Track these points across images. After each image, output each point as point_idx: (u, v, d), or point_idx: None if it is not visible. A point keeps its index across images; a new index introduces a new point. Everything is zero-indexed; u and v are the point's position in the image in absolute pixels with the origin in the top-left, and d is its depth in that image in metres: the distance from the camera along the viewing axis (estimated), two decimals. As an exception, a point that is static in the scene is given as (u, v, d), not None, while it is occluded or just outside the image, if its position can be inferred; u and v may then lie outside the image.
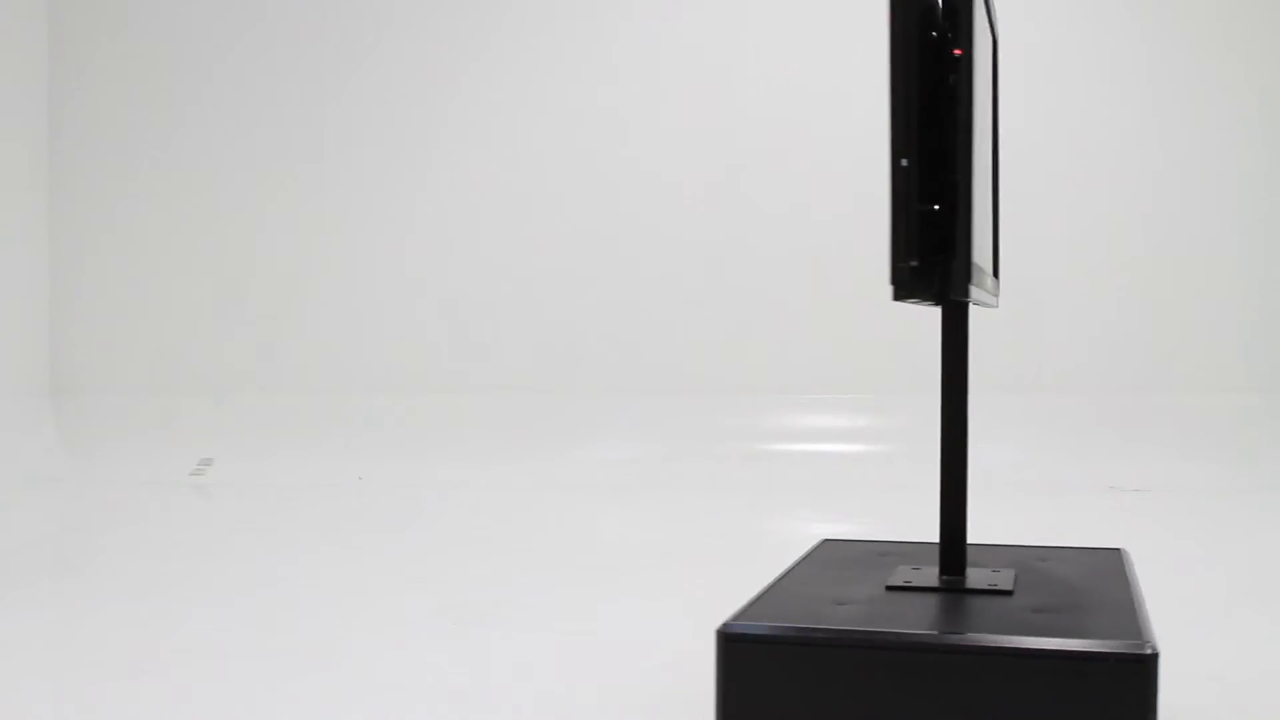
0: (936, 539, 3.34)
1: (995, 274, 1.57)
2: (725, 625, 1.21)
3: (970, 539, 3.32)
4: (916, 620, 1.23)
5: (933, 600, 1.32)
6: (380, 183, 4.87)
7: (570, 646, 2.06)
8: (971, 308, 4.53)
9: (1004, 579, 1.44)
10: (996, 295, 1.58)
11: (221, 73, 4.99)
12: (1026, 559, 1.60)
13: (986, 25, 1.38)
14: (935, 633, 1.18)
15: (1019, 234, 4.53)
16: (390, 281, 4.87)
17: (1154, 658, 1.11)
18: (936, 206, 1.19)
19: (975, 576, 1.45)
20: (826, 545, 1.71)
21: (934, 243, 1.22)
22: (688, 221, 4.67)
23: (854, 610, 1.27)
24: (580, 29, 4.76)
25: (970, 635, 1.18)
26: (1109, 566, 1.59)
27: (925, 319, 4.55)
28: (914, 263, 1.19)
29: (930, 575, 1.46)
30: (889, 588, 1.39)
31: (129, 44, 5.07)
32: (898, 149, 1.21)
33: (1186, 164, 4.48)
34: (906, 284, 1.20)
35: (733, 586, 2.50)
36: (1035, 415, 4.47)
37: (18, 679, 1.89)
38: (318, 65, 4.93)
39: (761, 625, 1.22)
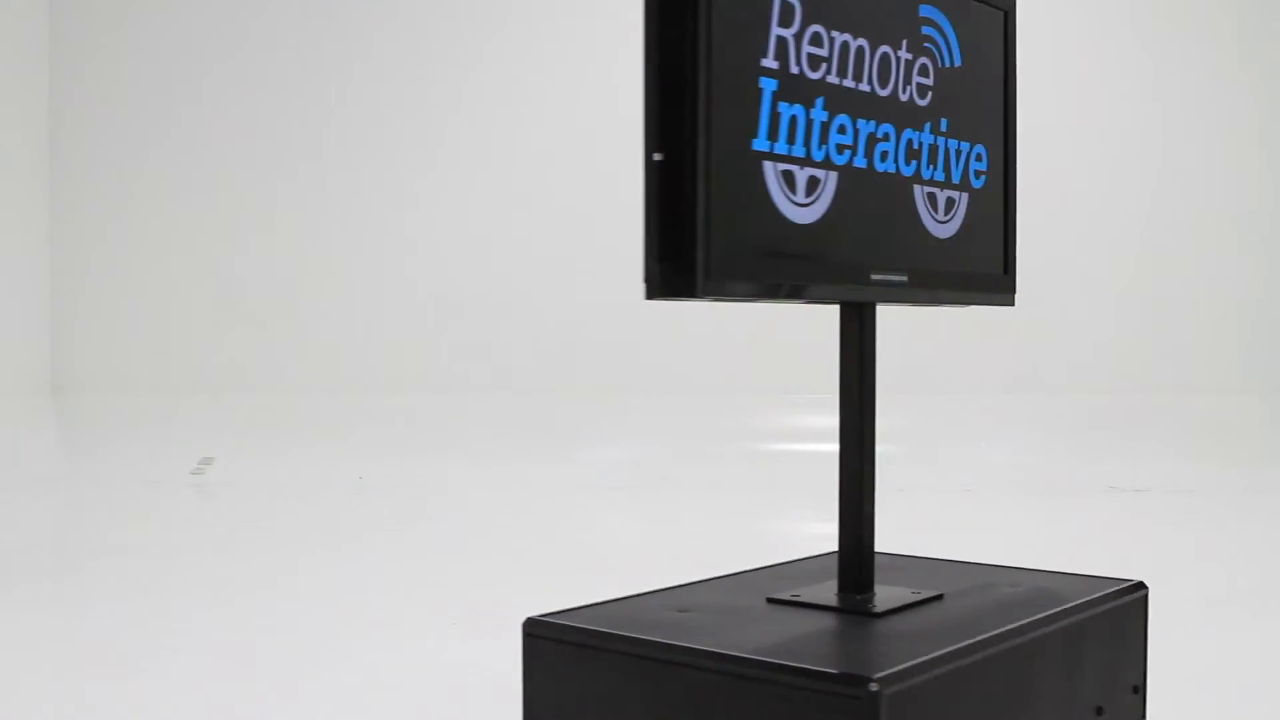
0: (937, 545, 3.33)
1: (1007, 270, 1.54)
2: (531, 617, 1.21)
3: (970, 539, 3.32)
4: (715, 633, 1.20)
5: (782, 616, 1.28)
6: (381, 183, 4.87)
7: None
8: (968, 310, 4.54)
9: (892, 598, 1.35)
10: (1008, 293, 1.55)
11: (222, 74, 4.99)
12: (999, 581, 1.49)
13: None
14: (688, 645, 1.15)
15: (1021, 236, 4.53)
16: (390, 281, 4.87)
17: (872, 698, 1.05)
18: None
19: (884, 595, 1.36)
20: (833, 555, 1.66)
21: (679, 241, 1.14)
22: (688, 221, 4.66)
23: (684, 618, 1.25)
24: (581, 31, 4.76)
25: (711, 647, 1.14)
26: (1065, 598, 1.43)
27: (926, 319, 4.55)
28: (665, 260, 1.14)
29: (829, 591, 1.37)
30: (770, 600, 1.34)
31: (130, 45, 5.07)
32: (650, 143, 1.15)
33: (1187, 168, 4.48)
34: (656, 282, 1.15)
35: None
36: (1036, 416, 4.47)
37: (18, 678, 1.90)
38: (319, 67, 4.93)
39: (562, 621, 1.22)
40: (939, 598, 1.37)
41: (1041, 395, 4.50)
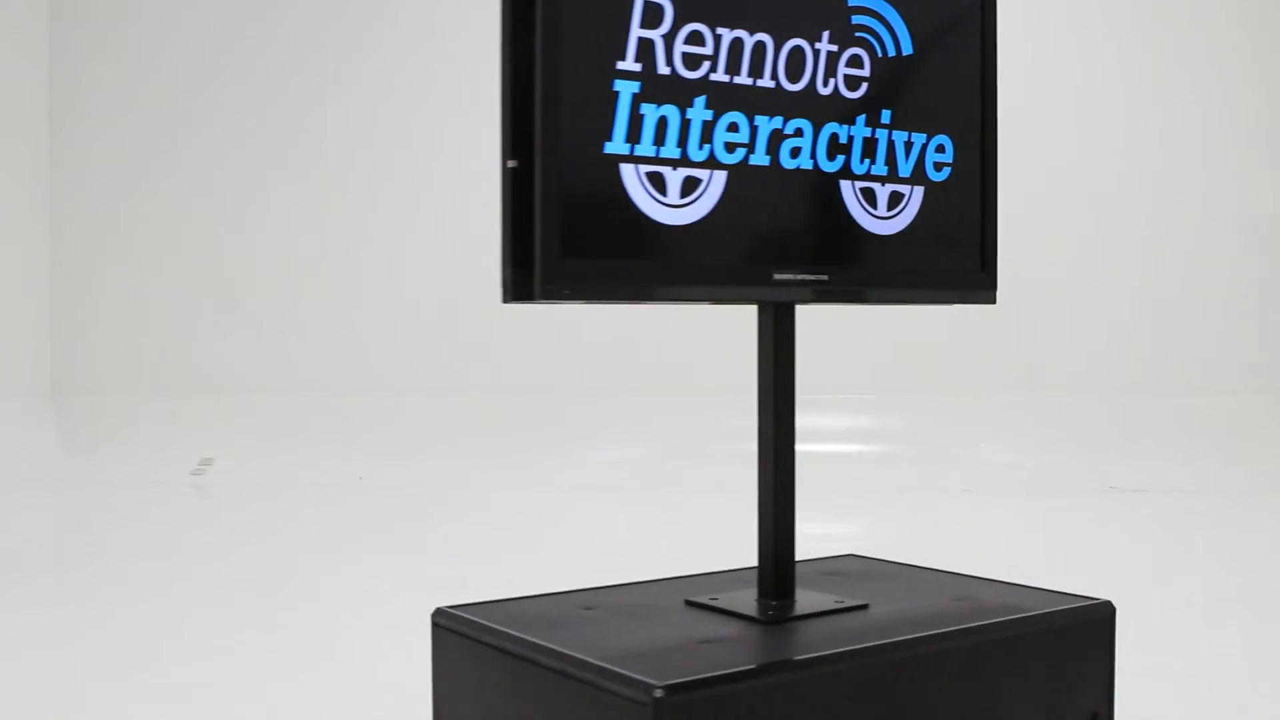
0: (938, 546, 3.33)
1: (984, 267, 1.47)
2: (439, 608, 1.23)
3: (972, 539, 3.32)
4: (571, 631, 1.21)
5: (674, 618, 1.27)
6: (381, 183, 4.87)
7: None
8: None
9: (808, 605, 1.32)
10: (986, 290, 1.48)
11: (223, 75, 4.99)
12: (951, 593, 1.44)
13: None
14: (527, 638, 1.17)
15: (1021, 236, 4.53)
16: (390, 281, 4.87)
17: (652, 704, 1.03)
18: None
19: (805, 600, 1.34)
20: (850, 558, 1.65)
21: (527, 246, 1.17)
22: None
23: (580, 615, 1.26)
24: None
25: (544, 641, 1.17)
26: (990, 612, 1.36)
27: (929, 319, 4.55)
28: (516, 265, 1.16)
29: (750, 597, 1.36)
30: (688, 603, 1.33)
31: (130, 46, 5.07)
32: (505, 151, 1.17)
33: (1187, 168, 4.48)
34: (509, 286, 1.17)
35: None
36: (1037, 416, 4.47)
37: (18, 678, 1.89)
38: (320, 67, 4.93)
39: (461, 613, 1.25)
40: (862, 607, 1.31)
41: (1042, 395, 4.50)
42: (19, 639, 2.16)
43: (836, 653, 1.16)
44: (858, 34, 1.35)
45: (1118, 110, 4.49)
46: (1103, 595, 2.43)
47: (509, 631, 1.21)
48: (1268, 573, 2.74)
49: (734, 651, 1.16)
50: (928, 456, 4.37)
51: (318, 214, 4.93)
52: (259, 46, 4.97)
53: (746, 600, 1.35)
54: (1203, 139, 4.46)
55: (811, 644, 1.19)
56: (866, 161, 1.36)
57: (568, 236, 1.16)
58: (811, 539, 3.36)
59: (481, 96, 4.84)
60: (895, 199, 1.39)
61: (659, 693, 1.04)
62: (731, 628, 1.24)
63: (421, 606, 2.42)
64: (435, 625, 1.29)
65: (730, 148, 1.26)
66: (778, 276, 1.29)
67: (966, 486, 4.16)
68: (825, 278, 1.33)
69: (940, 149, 1.43)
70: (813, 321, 4.59)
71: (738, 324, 4.65)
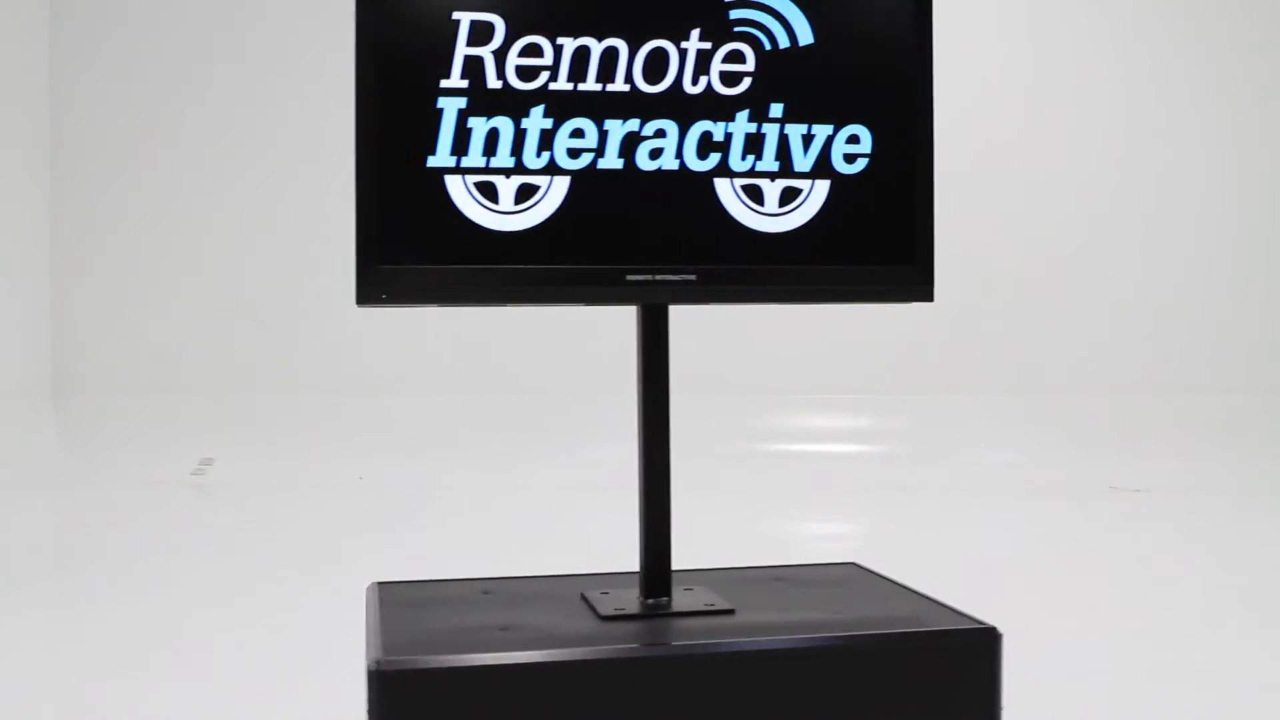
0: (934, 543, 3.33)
1: (914, 262, 1.36)
2: (378, 662, 1.15)
3: (971, 539, 3.32)
4: (447, 613, 1.27)
5: (545, 605, 1.32)
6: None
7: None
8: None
9: (684, 604, 1.35)
10: (918, 286, 1.36)
11: (223, 75, 4.99)
12: (759, 579, 1.47)
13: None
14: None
15: (1021, 237, 4.53)
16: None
17: (375, 675, 1.11)
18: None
19: (681, 599, 1.37)
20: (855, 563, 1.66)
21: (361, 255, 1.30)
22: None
23: (480, 599, 1.32)
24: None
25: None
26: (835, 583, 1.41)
27: (929, 319, 4.55)
28: (358, 272, 1.28)
29: (632, 598, 1.38)
30: (582, 595, 1.36)
31: (130, 47, 5.07)
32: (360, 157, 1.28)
33: (1187, 170, 4.48)
34: (360, 290, 1.29)
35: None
36: (1037, 416, 4.47)
37: (18, 678, 1.89)
38: (320, 67, 4.93)
39: (392, 583, 1.32)
40: (728, 611, 1.30)
41: (1042, 396, 4.50)
42: (19, 639, 2.16)
43: (604, 650, 1.18)
44: (738, 29, 1.34)
45: (1118, 110, 4.49)
46: (1103, 595, 2.44)
47: (392, 605, 1.33)
48: (1267, 572, 2.74)
49: (522, 637, 1.21)
50: (928, 456, 4.37)
51: (318, 214, 4.93)
52: (259, 47, 4.97)
53: (627, 598, 1.37)
54: (1203, 139, 4.46)
55: (610, 639, 1.21)
56: (750, 158, 1.34)
57: (387, 246, 1.28)
58: (812, 539, 3.37)
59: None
60: (789, 194, 1.36)
61: (374, 665, 1.12)
62: (571, 619, 1.28)
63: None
64: (372, 595, 1.37)
65: (574, 153, 1.30)
66: (631, 278, 1.31)
67: (966, 486, 4.16)
68: (692, 277, 1.33)
69: (853, 139, 1.36)
70: (813, 322, 4.60)
71: (739, 324, 4.66)
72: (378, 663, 1.13)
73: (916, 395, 4.53)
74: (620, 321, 4.64)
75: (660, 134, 1.32)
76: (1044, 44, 4.53)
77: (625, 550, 3.25)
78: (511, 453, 4.54)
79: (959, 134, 4.56)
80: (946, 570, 2.80)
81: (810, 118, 1.35)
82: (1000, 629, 1.23)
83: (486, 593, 1.43)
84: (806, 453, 4.43)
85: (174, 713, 1.71)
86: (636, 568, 1.48)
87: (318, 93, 4.94)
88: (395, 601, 1.34)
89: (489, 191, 1.30)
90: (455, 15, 1.31)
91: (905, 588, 1.41)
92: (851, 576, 1.50)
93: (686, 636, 1.21)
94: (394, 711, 1.13)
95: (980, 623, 1.25)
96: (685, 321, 4.63)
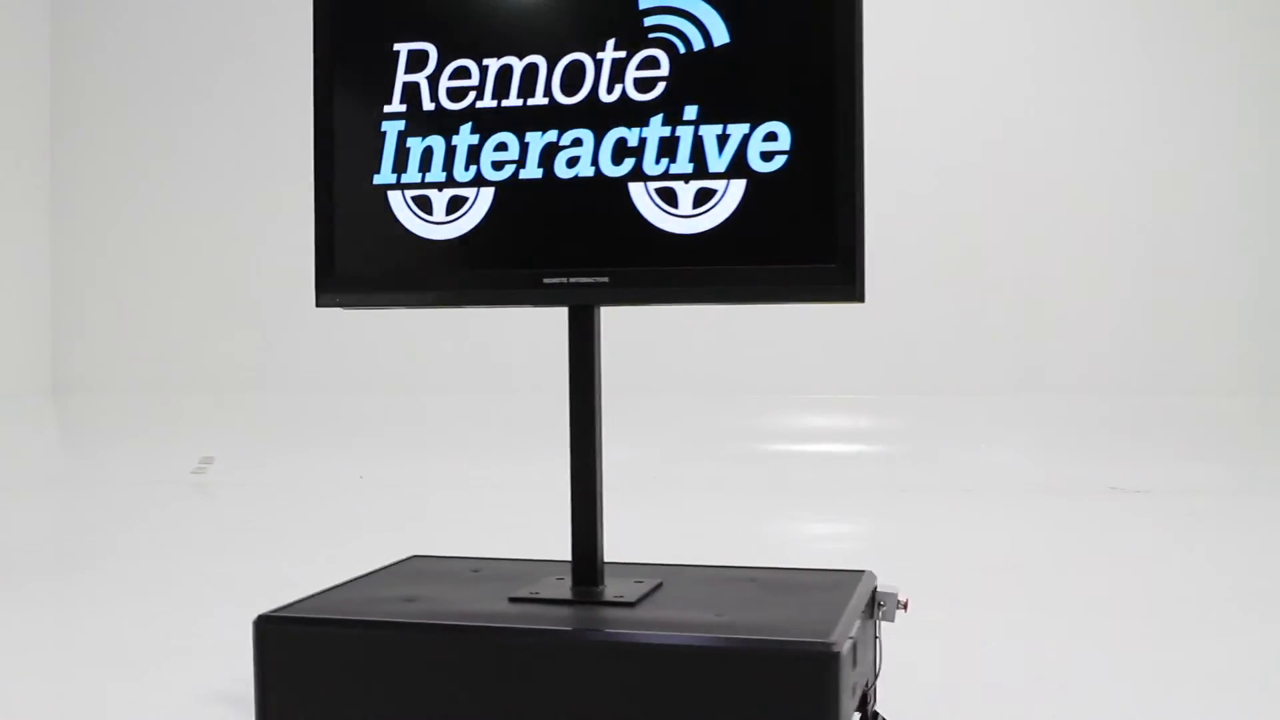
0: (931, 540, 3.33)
1: (836, 261, 1.32)
2: (262, 614, 1.34)
3: (971, 539, 3.32)
4: (428, 609, 1.35)
5: (496, 605, 1.36)
6: (381, 183, 4.87)
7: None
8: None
9: (615, 592, 1.40)
10: (843, 286, 1.32)
11: (223, 75, 4.99)
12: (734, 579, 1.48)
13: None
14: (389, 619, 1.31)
15: (1022, 237, 4.53)
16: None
17: (257, 621, 1.30)
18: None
19: (613, 588, 1.42)
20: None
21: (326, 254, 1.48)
22: (688, 222, 4.66)
23: (408, 606, 1.37)
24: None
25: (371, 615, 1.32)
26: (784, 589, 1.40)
27: (929, 319, 4.55)
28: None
29: (564, 586, 1.45)
30: (512, 599, 1.40)
31: (131, 46, 5.07)
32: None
33: (1187, 171, 4.48)
34: (318, 295, 1.49)
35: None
36: (1037, 417, 4.47)
37: (19, 677, 1.90)
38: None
39: (295, 610, 1.37)
40: (629, 604, 1.35)
41: (1043, 396, 4.50)
42: (19, 638, 2.16)
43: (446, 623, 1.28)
44: (653, 35, 1.36)
45: (1118, 111, 4.49)
46: (1102, 595, 2.44)
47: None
48: (1268, 574, 2.74)
49: (417, 608, 1.35)
50: (928, 456, 4.37)
51: (318, 214, 4.93)
52: (260, 47, 4.97)
53: (556, 585, 1.46)
54: (1203, 140, 4.46)
55: (487, 616, 1.30)
56: (664, 161, 1.36)
57: (339, 256, 1.46)
58: (812, 539, 3.37)
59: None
60: (704, 195, 1.36)
61: (259, 617, 1.31)
62: (482, 599, 1.39)
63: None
64: (259, 625, 1.45)
65: (498, 165, 1.41)
66: (547, 280, 1.38)
67: (966, 487, 4.16)
68: (605, 280, 1.37)
69: (771, 137, 1.34)
70: (813, 322, 4.60)
71: (739, 324, 4.66)
72: (262, 615, 1.33)
73: (916, 395, 4.53)
74: (620, 321, 4.65)
75: (577, 143, 1.38)
76: (1045, 44, 4.53)
77: (626, 548, 3.26)
78: (512, 452, 4.54)
79: (959, 134, 4.56)
80: (946, 570, 2.80)
81: (726, 118, 1.35)
82: (838, 649, 1.18)
83: (475, 570, 1.56)
84: (807, 453, 4.43)
85: (174, 713, 1.71)
86: (627, 561, 1.50)
87: (318, 92, 4.93)
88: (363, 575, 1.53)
89: (424, 204, 1.43)
90: (396, 46, 1.45)
91: (847, 604, 1.36)
92: (836, 583, 1.47)
93: (549, 621, 1.27)
94: (268, 656, 1.31)
95: (824, 644, 1.18)
96: (686, 322, 4.64)
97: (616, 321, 4.68)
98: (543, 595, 1.39)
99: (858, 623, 1.30)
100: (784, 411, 4.58)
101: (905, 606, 1.47)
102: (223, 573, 2.78)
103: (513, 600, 1.38)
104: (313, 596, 1.43)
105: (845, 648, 1.19)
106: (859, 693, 1.34)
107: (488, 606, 1.35)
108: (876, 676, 1.45)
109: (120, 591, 2.57)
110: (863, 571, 1.54)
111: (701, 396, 4.64)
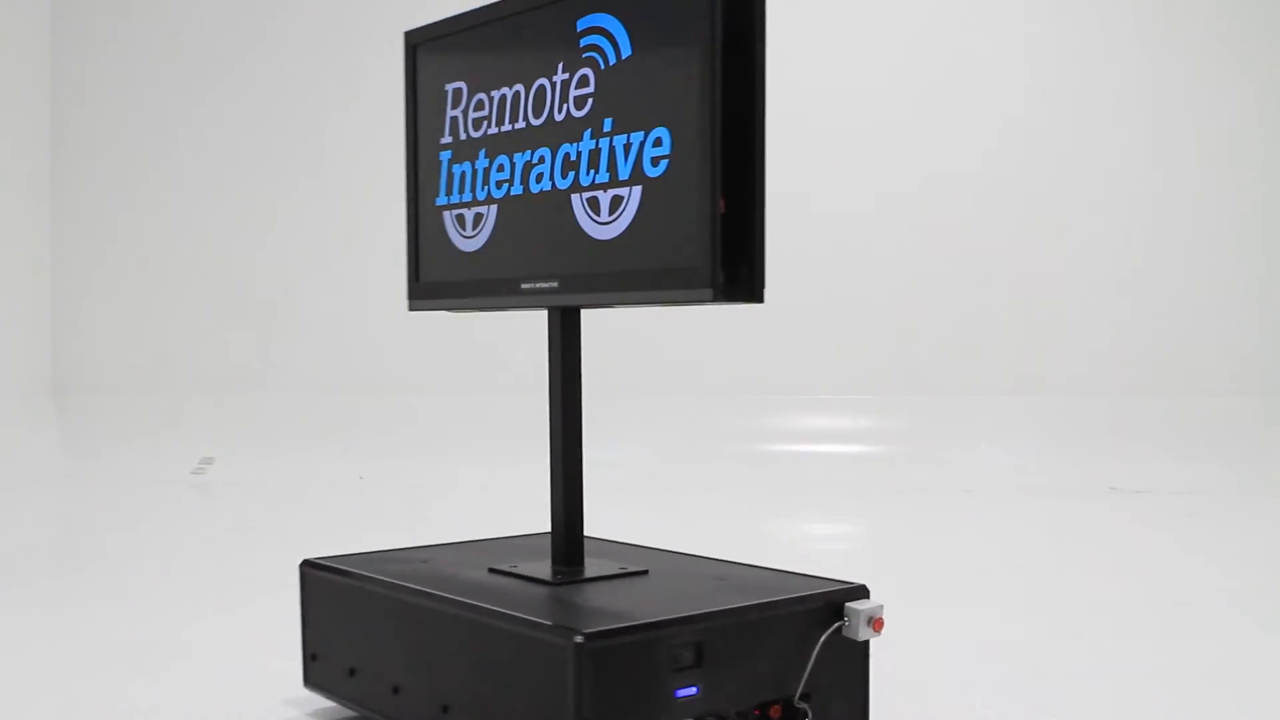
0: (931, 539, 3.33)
1: (712, 262, 1.29)
2: (307, 559, 1.66)
3: (971, 539, 3.32)
4: (411, 576, 1.53)
5: (473, 579, 1.51)
6: (380, 184, 4.87)
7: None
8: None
9: (592, 570, 1.54)
10: (704, 290, 1.31)
11: (224, 78, 4.99)
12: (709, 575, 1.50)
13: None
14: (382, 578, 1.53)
15: (1022, 237, 4.53)
16: (391, 281, 4.87)
17: (301, 564, 1.62)
18: None
19: (592, 567, 1.57)
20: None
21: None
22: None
23: (407, 568, 1.58)
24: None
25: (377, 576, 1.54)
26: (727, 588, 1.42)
27: (929, 319, 4.55)
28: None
29: (544, 566, 1.58)
30: (491, 570, 1.57)
31: (131, 47, 5.07)
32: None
33: (1187, 173, 4.48)
34: (410, 301, 1.75)
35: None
36: (1037, 417, 4.47)
37: (19, 677, 1.90)
38: (321, 66, 4.93)
39: (332, 561, 1.64)
40: (556, 583, 1.48)
41: (1043, 397, 4.50)
42: (19, 639, 2.17)
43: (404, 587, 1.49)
44: (585, 54, 1.45)
45: (1117, 111, 4.49)
46: (1102, 596, 2.44)
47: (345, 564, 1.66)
48: (1268, 574, 2.74)
49: (419, 571, 1.57)
50: (928, 457, 4.37)
51: (318, 214, 4.93)
52: (260, 48, 4.97)
53: (535, 565, 1.59)
54: (1202, 140, 4.47)
55: (448, 585, 1.47)
56: (592, 172, 1.45)
57: (420, 267, 1.72)
58: (812, 539, 3.37)
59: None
60: (616, 203, 1.42)
61: (304, 561, 1.66)
62: (475, 570, 1.57)
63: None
64: (303, 569, 1.68)
65: (500, 185, 1.58)
66: (524, 286, 1.54)
67: (966, 487, 4.16)
68: (555, 285, 1.50)
69: (658, 143, 1.36)
70: (813, 322, 4.60)
71: (739, 324, 4.66)
72: (305, 559, 1.66)
73: (916, 395, 4.53)
74: (621, 322, 4.65)
75: (542, 160, 1.52)
76: (1045, 45, 4.53)
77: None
78: (513, 452, 4.55)
79: (959, 134, 4.56)
80: (946, 571, 2.80)
81: (629, 127, 1.41)
82: (585, 641, 1.20)
83: (423, 561, 1.70)
84: (807, 453, 4.43)
85: (175, 713, 1.71)
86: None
87: (320, 95, 4.94)
88: (359, 564, 1.68)
89: (461, 221, 1.65)
90: (446, 86, 1.66)
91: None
92: (792, 589, 1.42)
93: (474, 593, 1.43)
94: (308, 592, 1.66)
95: (569, 634, 1.21)
96: (686, 322, 4.64)
97: (617, 321, 4.68)
98: (520, 571, 1.55)
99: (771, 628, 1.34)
100: (784, 411, 4.58)
101: (877, 626, 1.40)
102: (222, 573, 2.78)
103: (491, 571, 1.56)
104: (361, 554, 1.72)
105: (602, 645, 1.21)
106: (749, 703, 1.31)
107: (467, 575, 1.54)
108: (803, 695, 1.36)
109: (119, 592, 2.57)
110: (849, 584, 1.45)
111: (701, 396, 4.64)
